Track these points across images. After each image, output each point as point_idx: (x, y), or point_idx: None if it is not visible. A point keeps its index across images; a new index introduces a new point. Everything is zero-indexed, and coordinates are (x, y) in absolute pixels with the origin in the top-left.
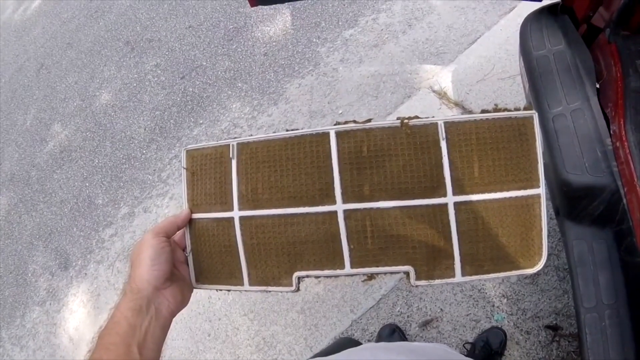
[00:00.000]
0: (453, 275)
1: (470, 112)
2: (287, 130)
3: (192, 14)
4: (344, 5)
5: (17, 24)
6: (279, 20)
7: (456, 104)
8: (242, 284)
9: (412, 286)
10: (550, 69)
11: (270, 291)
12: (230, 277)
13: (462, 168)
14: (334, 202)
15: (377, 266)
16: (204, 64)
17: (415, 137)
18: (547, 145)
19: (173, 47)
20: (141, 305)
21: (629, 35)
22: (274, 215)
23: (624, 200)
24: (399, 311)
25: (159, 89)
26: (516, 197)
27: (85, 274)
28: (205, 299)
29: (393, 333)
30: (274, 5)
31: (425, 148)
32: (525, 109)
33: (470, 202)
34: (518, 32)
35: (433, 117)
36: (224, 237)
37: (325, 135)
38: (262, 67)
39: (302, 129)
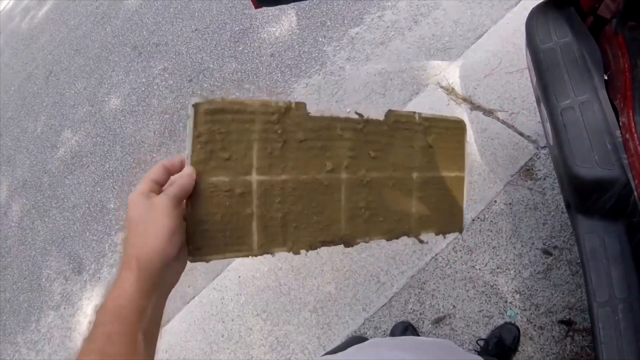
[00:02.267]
0: None
1: (479, 106)
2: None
3: (198, 17)
4: (349, 3)
5: (25, 33)
6: (284, 20)
7: (464, 99)
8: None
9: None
10: (558, 62)
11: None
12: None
13: None
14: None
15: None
16: (211, 66)
17: None
18: (556, 139)
19: (180, 50)
20: (150, 284)
21: (636, 26)
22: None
23: (635, 193)
24: (411, 309)
25: (167, 92)
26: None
27: (99, 277)
28: (218, 300)
29: (406, 330)
30: (279, 6)
31: None
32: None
33: None
34: (524, 25)
35: None
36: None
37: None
38: (269, 68)
39: None
